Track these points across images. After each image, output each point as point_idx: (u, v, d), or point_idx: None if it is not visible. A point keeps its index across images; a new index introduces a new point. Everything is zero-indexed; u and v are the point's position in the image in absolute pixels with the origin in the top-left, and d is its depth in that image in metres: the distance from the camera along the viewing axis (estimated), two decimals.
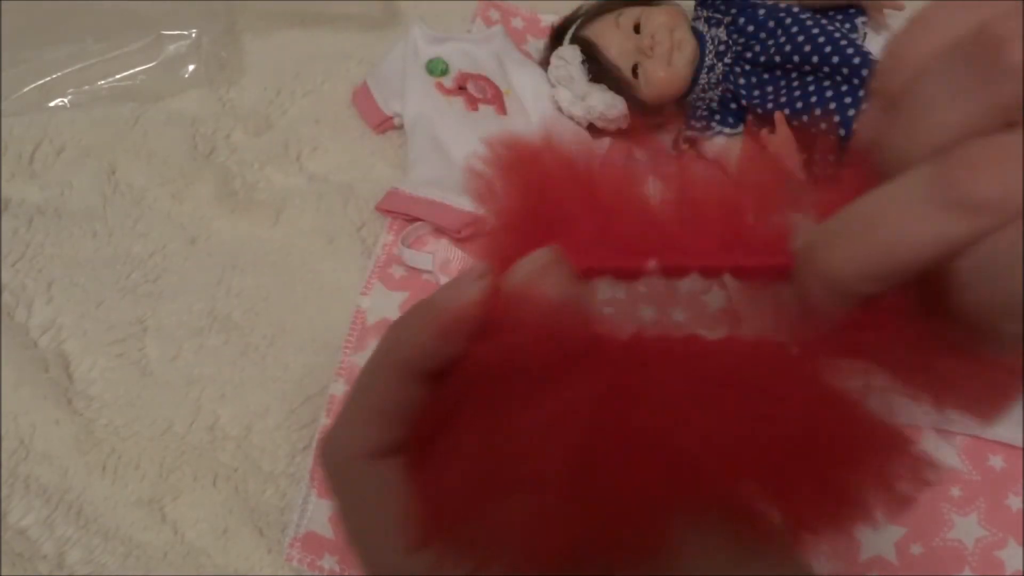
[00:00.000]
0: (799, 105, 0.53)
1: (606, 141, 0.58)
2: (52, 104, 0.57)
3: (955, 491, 0.43)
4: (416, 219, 0.52)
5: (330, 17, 0.62)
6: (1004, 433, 0.43)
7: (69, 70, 0.57)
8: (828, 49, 0.53)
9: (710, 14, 0.60)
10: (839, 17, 0.57)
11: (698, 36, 0.59)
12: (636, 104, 0.57)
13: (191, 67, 0.58)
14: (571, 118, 0.57)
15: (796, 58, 0.54)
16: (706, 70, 0.58)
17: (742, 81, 0.57)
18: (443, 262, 0.51)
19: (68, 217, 0.53)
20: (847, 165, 0.21)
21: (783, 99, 0.54)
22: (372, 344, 0.48)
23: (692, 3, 0.62)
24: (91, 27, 0.57)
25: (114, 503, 0.45)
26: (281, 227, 0.53)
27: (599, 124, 0.57)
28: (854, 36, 0.55)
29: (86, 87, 0.57)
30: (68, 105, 0.57)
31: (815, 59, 0.53)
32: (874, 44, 0.56)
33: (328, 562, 0.43)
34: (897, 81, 0.19)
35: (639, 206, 0.21)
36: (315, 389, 0.48)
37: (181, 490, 0.45)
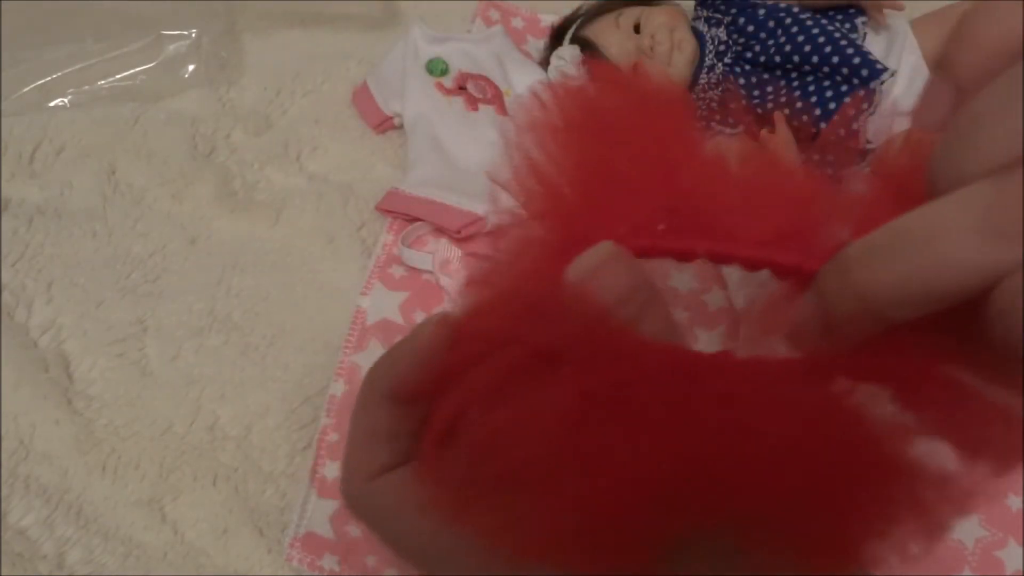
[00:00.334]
0: (799, 105, 0.53)
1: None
2: (52, 104, 0.57)
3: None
4: (416, 219, 0.52)
5: (330, 17, 0.62)
6: None
7: (69, 70, 0.57)
8: (828, 49, 0.53)
9: (710, 14, 0.60)
10: (839, 17, 0.57)
11: (698, 36, 0.59)
12: None
13: (191, 67, 0.58)
14: None
15: (796, 58, 0.54)
16: (706, 70, 0.58)
17: (742, 81, 0.57)
18: (443, 262, 0.51)
19: (68, 217, 0.53)
20: (879, 171, 0.20)
21: (783, 99, 0.54)
22: (372, 344, 0.48)
23: (692, 3, 0.62)
24: (91, 27, 0.57)
25: (114, 503, 0.45)
26: (281, 227, 0.53)
27: None
28: (854, 36, 0.55)
29: (86, 87, 0.57)
30: (68, 105, 0.57)
31: (815, 59, 0.53)
32: (874, 44, 0.56)
33: (328, 562, 0.43)
34: (968, 64, 0.17)
35: (699, 179, 0.21)
36: (315, 389, 0.48)
37: (181, 490, 0.45)
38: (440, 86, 0.56)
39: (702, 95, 0.59)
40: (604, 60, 0.57)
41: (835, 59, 0.52)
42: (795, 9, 0.57)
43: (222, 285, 0.51)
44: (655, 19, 0.58)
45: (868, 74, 0.52)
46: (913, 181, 0.19)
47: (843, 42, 0.53)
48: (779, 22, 0.56)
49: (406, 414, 0.21)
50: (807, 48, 0.54)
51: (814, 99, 0.53)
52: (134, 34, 0.57)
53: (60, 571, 0.43)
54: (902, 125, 0.51)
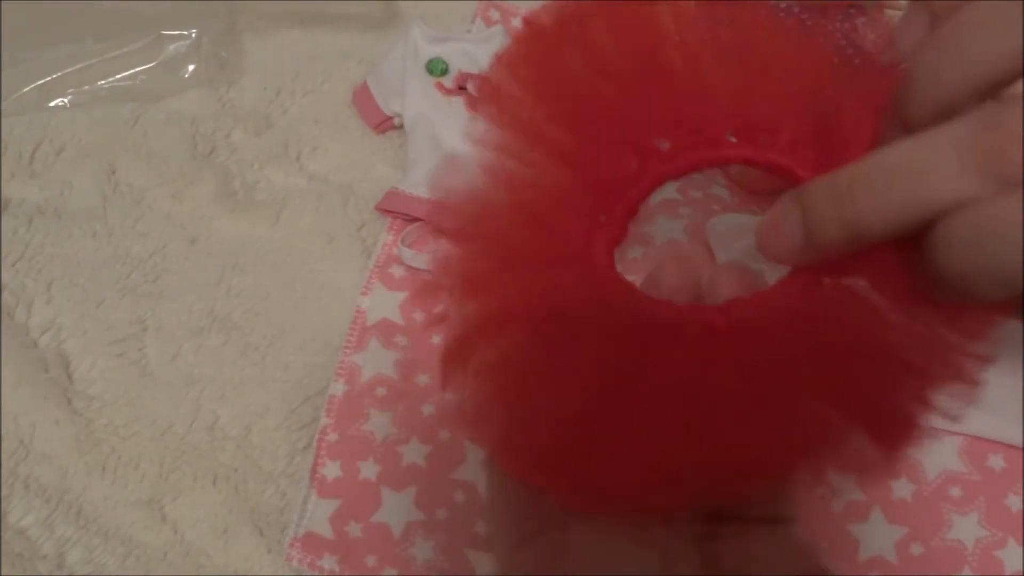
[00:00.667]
0: None
1: None
2: (52, 104, 0.57)
3: (955, 491, 0.43)
4: (416, 219, 0.52)
5: (330, 17, 0.62)
6: (1004, 433, 0.43)
7: (69, 70, 0.57)
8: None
9: None
10: (839, 17, 0.57)
11: None
12: None
13: (191, 67, 0.58)
14: None
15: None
16: None
17: None
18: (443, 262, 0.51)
19: (68, 217, 0.53)
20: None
21: None
22: (372, 344, 0.48)
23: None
24: (91, 27, 0.57)
25: (114, 503, 0.45)
26: (281, 227, 0.53)
27: None
28: (854, 36, 0.55)
29: (86, 87, 0.57)
30: (68, 105, 0.57)
31: None
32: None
33: (328, 562, 0.43)
34: None
35: (688, 86, 0.21)
36: (315, 389, 0.48)
37: (181, 490, 0.45)
38: (440, 86, 0.56)
39: None
40: None
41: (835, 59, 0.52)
42: (795, 9, 0.57)
43: (222, 285, 0.51)
44: None
45: None
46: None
47: (843, 42, 0.53)
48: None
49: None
50: None
51: None
52: (134, 34, 0.57)
53: (60, 571, 0.43)
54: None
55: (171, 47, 0.57)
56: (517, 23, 0.64)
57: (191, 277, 0.51)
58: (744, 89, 0.21)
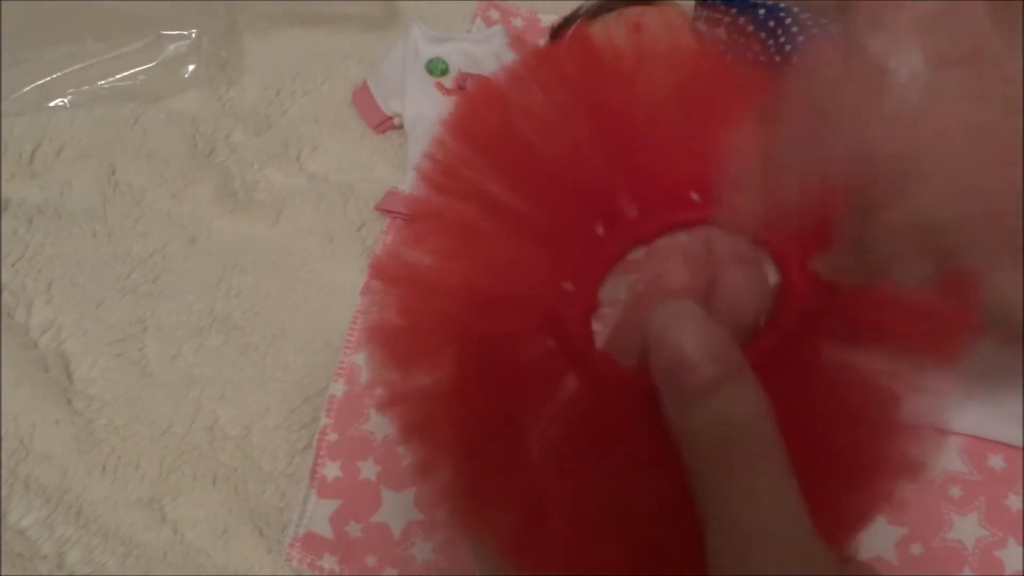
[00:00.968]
0: None
1: None
2: (52, 104, 0.57)
3: (955, 491, 0.43)
4: None
5: (330, 17, 0.62)
6: (1004, 433, 0.43)
7: (69, 70, 0.57)
8: None
9: (710, 14, 0.60)
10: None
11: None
12: None
13: (191, 67, 0.58)
14: None
15: (797, 59, 0.54)
16: None
17: None
18: None
19: (68, 217, 0.53)
20: None
21: None
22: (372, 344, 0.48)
23: (692, 3, 0.62)
24: (91, 27, 0.57)
25: (114, 503, 0.45)
26: (281, 227, 0.53)
27: None
28: None
29: (86, 87, 0.57)
30: (68, 105, 0.57)
31: None
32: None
33: (328, 562, 0.43)
34: None
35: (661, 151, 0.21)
36: (315, 389, 0.48)
37: (181, 490, 0.45)
38: (440, 86, 0.56)
39: None
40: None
41: None
42: (796, 9, 0.57)
43: (222, 285, 0.51)
44: (655, 19, 0.58)
45: None
46: None
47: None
48: (779, 22, 0.56)
49: None
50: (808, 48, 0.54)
51: None
52: (134, 34, 0.57)
53: (60, 571, 0.43)
54: None
55: (171, 47, 0.57)
56: (517, 23, 0.64)
57: (191, 277, 0.51)
58: (701, 141, 0.20)
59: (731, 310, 0.21)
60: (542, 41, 0.62)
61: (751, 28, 0.57)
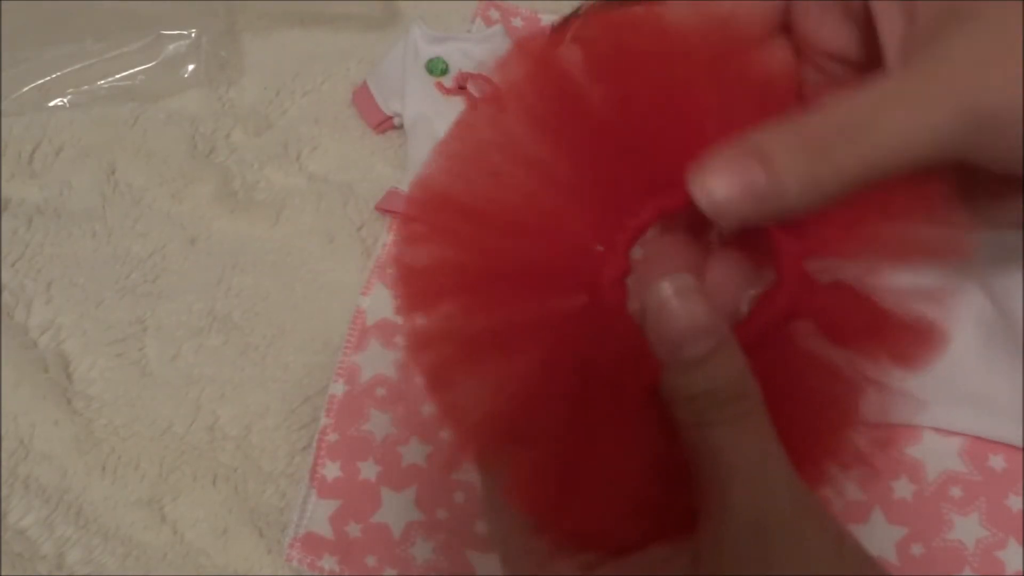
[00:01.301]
0: None
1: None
2: (52, 104, 0.56)
3: (955, 491, 0.43)
4: None
5: (330, 17, 0.62)
6: (1004, 433, 0.43)
7: (69, 70, 0.57)
8: None
9: None
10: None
11: None
12: None
13: (191, 67, 0.58)
14: None
15: None
16: None
17: None
18: None
19: (68, 217, 0.53)
20: None
21: None
22: (372, 344, 0.48)
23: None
24: (91, 27, 0.57)
25: (114, 503, 0.45)
26: (281, 227, 0.53)
27: None
28: None
29: (86, 87, 0.57)
30: (68, 105, 0.57)
31: None
32: None
33: (328, 562, 0.43)
34: None
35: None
36: (315, 389, 0.48)
37: (181, 490, 0.45)
38: (440, 86, 0.56)
39: None
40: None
41: None
42: None
43: (222, 285, 0.51)
44: None
45: None
46: None
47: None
48: None
49: None
50: None
51: None
52: (134, 34, 0.57)
53: (60, 571, 0.43)
54: None
55: (171, 47, 0.57)
56: (517, 23, 0.64)
57: (191, 277, 0.51)
58: (730, 127, 0.21)
59: (714, 293, 0.22)
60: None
61: None
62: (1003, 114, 0.19)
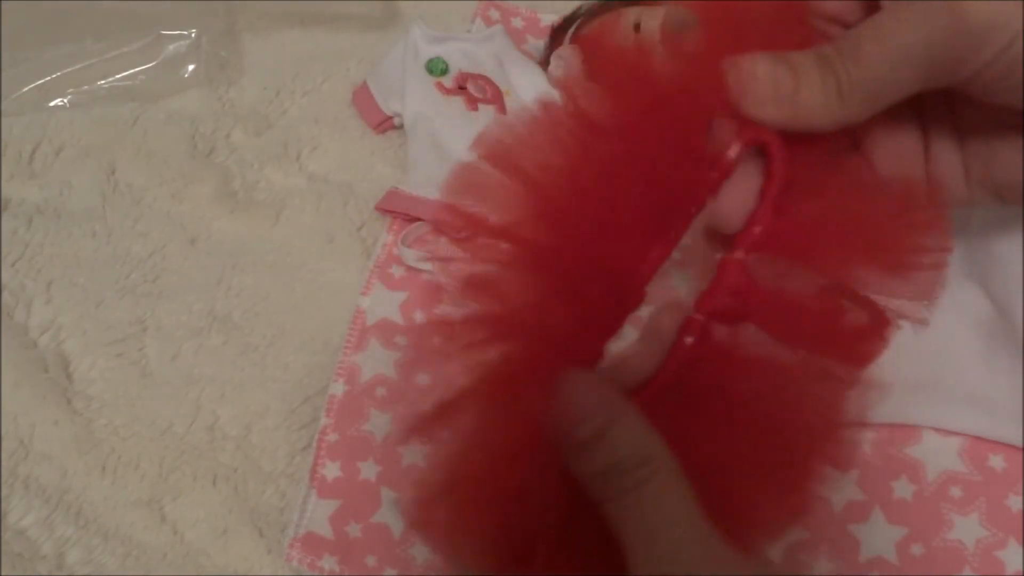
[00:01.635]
0: None
1: None
2: (52, 104, 0.57)
3: (955, 491, 0.43)
4: (416, 219, 0.52)
5: (330, 17, 0.62)
6: (1004, 433, 0.43)
7: (69, 70, 0.57)
8: None
9: None
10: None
11: None
12: None
13: (191, 67, 0.58)
14: None
15: None
16: None
17: None
18: (443, 261, 0.51)
19: (68, 217, 0.53)
20: None
21: None
22: (372, 344, 0.48)
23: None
24: (91, 27, 0.57)
25: (114, 503, 0.45)
26: (281, 227, 0.53)
27: None
28: None
29: (86, 87, 0.57)
30: (68, 105, 0.57)
31: None
32: None
33: (328, 562, 0.43)
34: None
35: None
36: (315, 389, 0.48)
37: (181, 490, 0.45)
38: (440, 86, 0.56)
39: None
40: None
41: None
42: None
43: (222, 285, 0.51)
44: (655, 19, 0.58)
45: None
46: None
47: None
48: None
49: None
50: None
51: None
52: (134, 34, 0.57)
53: (60, 571, 0.43)
54: None
55: (171, 47, 0.57)
56: (517, 23, 0.64)
57: (191, 277, 0.51)
58: None
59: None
60: (542, 41, 0.62)
61: None
62: (995, 18, 0.20)
